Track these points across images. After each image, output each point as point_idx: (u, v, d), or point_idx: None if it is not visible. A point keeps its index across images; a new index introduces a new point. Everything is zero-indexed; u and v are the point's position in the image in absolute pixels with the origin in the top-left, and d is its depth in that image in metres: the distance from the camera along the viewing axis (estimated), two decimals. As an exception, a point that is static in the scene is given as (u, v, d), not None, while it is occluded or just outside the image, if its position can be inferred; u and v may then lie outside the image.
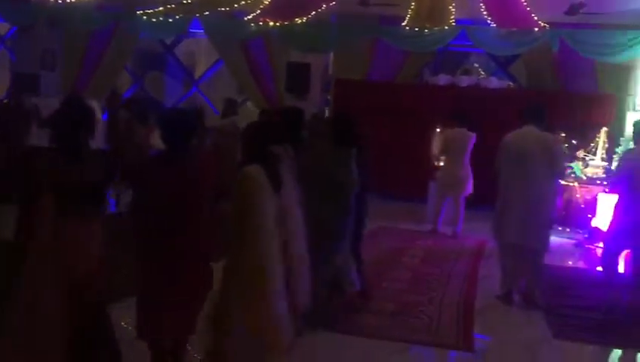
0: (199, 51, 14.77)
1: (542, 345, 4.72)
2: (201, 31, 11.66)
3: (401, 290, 5.77)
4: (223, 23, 11.12)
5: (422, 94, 11.37)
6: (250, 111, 12.22)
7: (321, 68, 12.21)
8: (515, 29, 10.51)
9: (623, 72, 10.71)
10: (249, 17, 10.40)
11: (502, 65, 13.13)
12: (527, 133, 5.48)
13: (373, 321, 4.91)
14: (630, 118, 9.90)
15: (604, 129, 9.97)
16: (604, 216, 7.98)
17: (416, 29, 10.41)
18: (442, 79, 11.58)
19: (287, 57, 11.70)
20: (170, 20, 10.91)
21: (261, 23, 10.42)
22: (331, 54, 12.32)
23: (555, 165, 5.44)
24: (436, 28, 10.29)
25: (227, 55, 12.12)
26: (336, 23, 11.14)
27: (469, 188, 8.49)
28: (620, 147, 9.35)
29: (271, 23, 10.39)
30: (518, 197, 5.34)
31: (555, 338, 4.82)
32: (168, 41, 13.49)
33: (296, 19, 10.31)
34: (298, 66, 11.52)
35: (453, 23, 10.41)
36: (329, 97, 12.32)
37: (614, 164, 8.43)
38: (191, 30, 11.88)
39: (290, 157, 3.97)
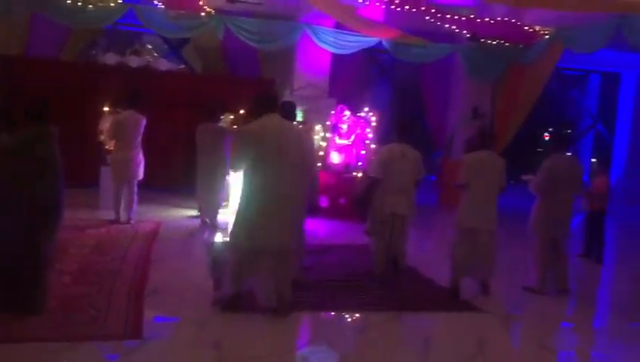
0: None
1: (210, 320, 4.89)
2: None
3: (66, 284, 5.35)
4: None
5: (90, 74, 10.75)
6: None
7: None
8: (183, 12, 10.65)
9: (281, 59, 11.80)
10: None
11: (174, 47, 13.23)
12: (280, 123, 4.92)
13: (33, 323, 4.43)
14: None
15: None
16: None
17: (79, 4, 9.74)
18: (111, 58, 11.09)
19: None
20: None
21: None
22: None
23: (312, 158, 5.22)
24: (100, 4, 9.78)
25: None
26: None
27: (142, 172, 8.36)
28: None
29: None
30: (281, 196, 4.77)
31: (223, 311, 5.05)
32: None
33: None
34: None
35: (120, 1, 10.04)
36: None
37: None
38: None
39: None
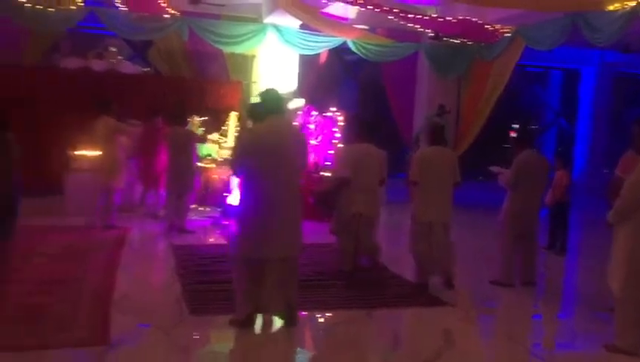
0: None
1: (178, 324, 4.85)
2: None
3: (27, 293, 5.25)
4: None
5: (52, 78, 10.55)
6: None
7: None
8: (146, 15, 10.55)
9: (247, 61, 11.78)
10: None
11: (138, 50, 13.08)
12: (284, 126, 4.76)
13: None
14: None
15: (234, 113, 10.85)
16: (236, 194, 8.70)
17: (39, 7, 9.56)
18: (73, 62, 10.93)
19: None
20: None
21: None
22: None
23: (305, 157, 4.94)
24: (61, 7, 9.62)
25: None
26: None
27: (121, 178, 8.36)
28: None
29: None
30: (285, 201, 4.57)
31: (192, 314, 5.03)
32: None
33: None
34: None
35: (81, 4, 9.89)
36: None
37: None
38: None
39: None
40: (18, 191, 4.82)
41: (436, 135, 6.27)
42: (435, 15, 10.91)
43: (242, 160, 4.56)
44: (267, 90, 4.87)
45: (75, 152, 9.16)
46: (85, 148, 8.91)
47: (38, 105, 10.05)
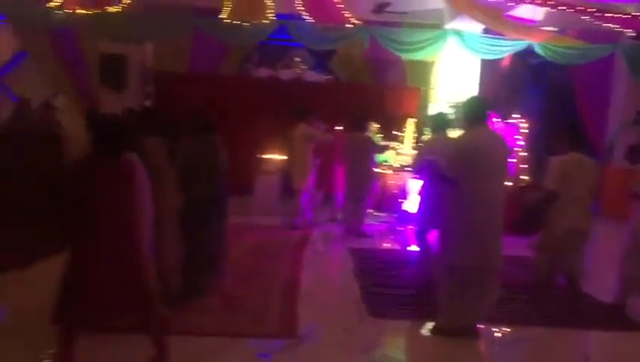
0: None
1: (359, 324, 5.00)
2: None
3: (228, 284, 5.73)
4: (24, 10, 10.11)
5: (245, 87, 11.43)
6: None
7: (140, 60, 11.72)
8: (330, 25, 10.97)
9: (426, 67, 11.73)
10: (53, 4, 9.60)
11: (321, 59, 13.66)
12: (487, 136, 4.74)
13: (201, 319, 4.84)
14: (432, 109, 10.89)
15: (412, 120, 10.86)
16: (412, 200, 8.70)
17: (236, 22, 10.42)
18: (264, 73, 11.75)
19: (100, 48, 11.04)
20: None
21: (68, 11, 9.70)
22: (149, 46, 11.88)
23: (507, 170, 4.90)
24: (255, 21, 10.37)
25: (32, 46, 11.05)
26: (150, 13, 10.68)
27: (308, 182, 8.83)
28: (424, 136, 10.20)
29: (80, 11, 9.72)
30: (496, 209, 4.60)
31: (371, 316, 5.14)
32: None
33: (108, 8, 9.75)
34: (112, 58, 10.89)
35: (273, 18, 10.57)
36: (151, 91, 11.86)
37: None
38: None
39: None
40: (226, 192, 5.28)
41: None
42: (636, 13, 9.94)
43: (458, 167, 4.55)
44: (471, 99, 4.86)
45: (265, 156, 9.85)
46: (274, 152, 9.59)
47: (233, 112, 10.93)
